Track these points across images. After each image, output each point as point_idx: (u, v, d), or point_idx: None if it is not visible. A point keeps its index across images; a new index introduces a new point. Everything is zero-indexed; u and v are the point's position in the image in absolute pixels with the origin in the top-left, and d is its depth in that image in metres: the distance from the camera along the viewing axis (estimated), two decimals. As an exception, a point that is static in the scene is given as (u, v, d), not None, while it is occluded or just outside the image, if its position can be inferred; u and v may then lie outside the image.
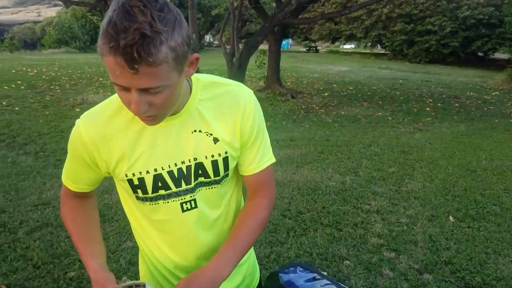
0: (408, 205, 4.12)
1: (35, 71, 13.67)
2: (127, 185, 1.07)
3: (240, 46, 10.27)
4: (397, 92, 12.83)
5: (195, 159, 1.06)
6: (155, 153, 1.04)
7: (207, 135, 1.06)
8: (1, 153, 5.36)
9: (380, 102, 10.92)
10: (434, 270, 3.00)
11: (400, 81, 15.77)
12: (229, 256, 1.07)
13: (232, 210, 1.22)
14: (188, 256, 1.18)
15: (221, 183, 1.12)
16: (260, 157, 1.15)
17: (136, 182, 1.05)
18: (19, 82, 11.23)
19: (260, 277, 1.42)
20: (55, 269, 2.86)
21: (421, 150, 6.17)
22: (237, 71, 9.35)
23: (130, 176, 1.05)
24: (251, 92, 1.14)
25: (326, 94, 11.92)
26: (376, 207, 4.03)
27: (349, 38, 33.06)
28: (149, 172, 1.04)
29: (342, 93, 12.29)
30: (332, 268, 2.97)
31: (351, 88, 13.44)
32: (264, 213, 1.17)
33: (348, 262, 3.06)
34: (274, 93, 11.12)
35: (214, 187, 1.12)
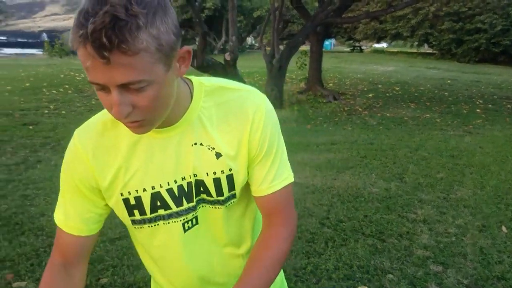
0: (457, 214, 3.84)
1: (82, 75, 14.05)
2: (122, 207, 0.94)
3: (281, 47, 10.13)
4: (446, 93, 12.28)
5: (195, 175, 0.93)
6: (152, 168, 0.91)
7: (209, 149, 0.91)
8: (46, 156, 5.48)
9: (428, 103, 10.47)
10: (485, 286, 2.74)
11: (449, 81, 15.12)
12: None
13: (247, 233, 1.08)
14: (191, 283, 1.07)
15: (227, 205, 0.97)
16: (273, 176, 0.97)
17: (132, 201, 0.93)
18: (67, 86, 11.60)
19: None
20: (88, 275, 2.82)
21: (472, 155, 5.80)
22: (276, 73, 9.20)
23: (126, 195, 0.92)
24: (264, 98, 0.97)
25: (370, 95, 11.58)
26: (423, 216, 3.78)
27: (395, 37, 32.17)
28: (146, 190, 0.92)
29: (387, 94, 11.90)
30: (373, 283, 2.78)
31: (397, 88, 13.00)
32: (284, 246, 0.98)
33: (391, 276, 2.85)
34: (315, 94, 10.90)
35: (218, 208, 0.97)
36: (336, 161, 5.43)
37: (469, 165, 5.29)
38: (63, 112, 8.40)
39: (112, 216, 1.03)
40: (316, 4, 12.12)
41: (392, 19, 29.15)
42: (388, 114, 9.04)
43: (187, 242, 0.99)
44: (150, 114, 0.78)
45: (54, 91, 10.66)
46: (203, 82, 0.93)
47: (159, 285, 1.12)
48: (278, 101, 9.17)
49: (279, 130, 0.99)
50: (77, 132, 0.94)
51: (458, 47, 27.33)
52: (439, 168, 5.16)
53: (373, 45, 39.78)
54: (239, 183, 0.96)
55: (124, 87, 0.72)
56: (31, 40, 54.88)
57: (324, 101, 10.37)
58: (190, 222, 0.97)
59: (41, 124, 7.17)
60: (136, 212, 0.94)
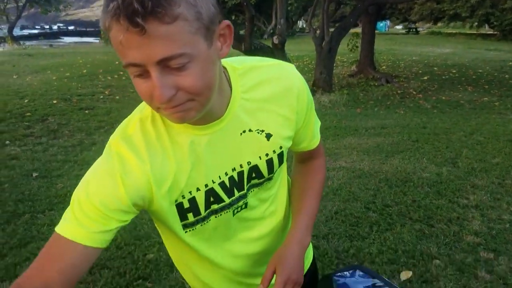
0: (513, 201, 3.64)
1: (137, 61, 14.50)
2: (174, 213, 0.88)
3: (332, 30, 9.92)
4: (506, 76, 11.57)
5: (249, 163, 0.91)
6: (203, 167, 0.86)
7: (258, 132, 0.89)
8: (100, 139, 5.71)
9: (486, 86, 9.93)
10: (542, 277, 2.59)
11: (510, 63, 14.23)
12: (306, 223, 1.04)
13: (282, 197, 1.13)
14: (241, 264, 1.08)
15: (273, 177, 1.01)
16: (312, 134, 1.06)
17: (186, 204, 0.87)
18: (121, 72, 11.95)
19: (314, 257, 1.29)
20: (135, 250, 2.95)
21: (533, 139, 5.45)
22: (326, 56, 9.02)
23: (180, 200, 0.86)
24: (293, 66, 0.97)
25: (425, 78, 11.13)
26: (475, 202, 3.62)
27: (453, 18, 30.62)
28: (199, 190, 0.87)
29: (443, 77, 11.38)
30: (419, 268, 2.70)
31: (454, 71, 12.41)
32: (324, 170, 1.17)
33: (438, 261, 2.76)
34: (367, 78, 10.61)
35: (266, 184, 1.00)
36: (385, 145, 5.28)
37: (529, 150, 4.99)
38: (117, 97, 8.69)
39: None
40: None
41: (450, -1, 27.74)
42: (443, 97, 8.67)
43: (235, 221, 1.01)
44: (195, 95, 0.70)
45: (109, 77, 11.03)
46: (235, 66, 0.89)
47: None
48: (327, 85, 9.01)
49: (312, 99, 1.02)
50: (121, 143, 0.82)
51: (522, 27, 25.64)
52: (495, 153, 4.90)
53: (431, 27, 38.08)
54: (286, 154, 1.00)
55: (164, 65, 0.65)
56: (89, 28, 57.03)
57: (376, 84, 10.08)
58: (239, 208, 0.98)
59: (96, 109, 7.47)
60: (189, 215, 0.89)
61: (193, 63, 0.67)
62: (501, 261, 2.74)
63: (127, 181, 0.79)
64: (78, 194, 0.81)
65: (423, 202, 3.64)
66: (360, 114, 7.27)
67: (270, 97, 0.90)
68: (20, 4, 31.86)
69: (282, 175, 1.08)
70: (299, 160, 1.16)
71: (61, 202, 3.67)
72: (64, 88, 9.16)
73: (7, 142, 5.45)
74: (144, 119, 0.84)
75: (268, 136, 0.91)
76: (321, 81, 9.00)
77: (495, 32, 29.33)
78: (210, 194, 0.89)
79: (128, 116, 0.87)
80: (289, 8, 28.76)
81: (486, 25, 30.80)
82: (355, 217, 3.38)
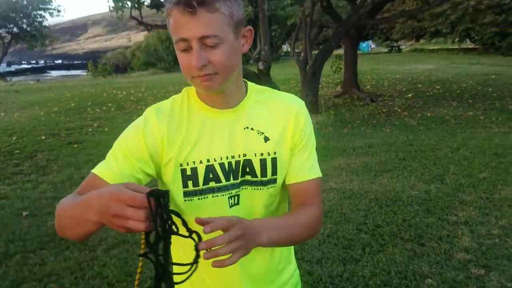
0: (501, 215, 3.69)
1: (124, 93, 14.54)
2: (178, 177, 1.05)
3: (315, 52, 10.09)
4: (490, 89, 11.82)
5: (244, 155, 1.07)
6: (209, 144, 1.05)
7: (258, 133, 1.08)
8: (89, 173, 5.68)
9: (471, 101, 10.12)
10: (534, 290, 2.62)
11: (493, 76, 14.53)
12: (271, 226, 1.00)
13: None
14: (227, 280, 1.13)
15: (268, 187, 1.09)
16: (310, 166, 1.13)
17: (188, 172, 1.04)
18: (110, 104, 12.01)
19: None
20: (127, 287, 2.93)
21: (517, 152, 5.56)
22: (311, 78, 9.17)
23: (184, 165, 1.04)
24: (303, 102, 1.17)
25: (409, 95, 11.31)
26: (464, 218, 3.66)
27: (434, 35, 31.31)
28: (202, 162, 1.04)
29: (427, 93, 11.59)
30: (412, 288, 2.72)
31: (437, 87, 12.64)
32: (316, 225, 1.13)
33: (430, 280, 2.78)
34: (352, 98, 10.78)
35: (260, 189, 1.09)
36: (373, 165, 5.34)
37: (514, 163, 5.07)
38: (106, 129, 8.71)
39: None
40: (349, 7, 12.03)
41: (430, 16, 28.32)
42: (428, 114, 8.81)
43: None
44: (220, 69, 0.95)
45: (98, 110, 11.07)
46: (255, 85, 1.15)
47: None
48: (313, 106, 9.11)
49: (313, 133, 1.17)
50: (151, 109, 1.08)
51: (502, 40, 26.17)
52: (482, 168, 4.98)
53: (413, 44, 38.78)
54: (280, 168, 1.10)
55: (203, 42, 0.91)
56: (76, 61, 57.28)
57: (361, 104, 10.23)
58: (233, 199, 1.08)
59: (85, 142, 7.47)
60: (190, 183, 1.05)
61: (222, 45, 0.93)
62: (492, 276, 2.77)
63: (147, 134, 1.03)
64: (114, 144, 1.06)
65: (413, 221, 3.67)
66: (347, 134, 7.35)
67: (275, 111, 1.12)
68: (6, 40, 32.01)
69: (283, 203, 1.18)
70: (294, 205, 1.14)
71: (52, 240, 3.64)
72: (52, 123, 9.16)
73: (-4, 181, 5.42)
74: (177, 97, 1.11)
75: (266, 139, 1.08)
76: (307, 103, 8.91)
77: (477, 46, 29.95)
78: (210, 171, 1.05)
79: None
80: (273, 33, 29.25)
81: (468, 40, 31.49)
82: (348, 239, 3.40)
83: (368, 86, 13.25)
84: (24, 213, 4.30)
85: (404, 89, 12.57)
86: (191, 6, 0.88)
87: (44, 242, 3.63)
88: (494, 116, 8.24)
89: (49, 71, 46.25)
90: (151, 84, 18.00)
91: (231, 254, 0.81)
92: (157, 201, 0.74)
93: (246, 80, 1.13)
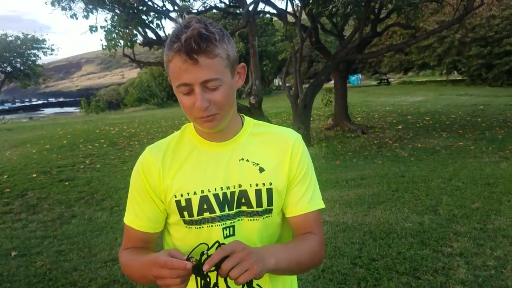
0: (495, 246, 3.66)
1: (117, 129, 14.57)
2: (174, 208, 1.10)
3: (306, 86, 10.24)
4: (479, 119, 12.00)
5: (239, 185, 1.10)
6: (204, 176, 1.10)
7: (254, 164, 1.11)
8: (80, 210, 5.63)
9: (461, 131, 10.24)
10: (533, 323, 2.58)
11: (481, 107, 14.78)
12: (278, 250, 1.05)
13: None
14: None
15: (263, 217, 1.11)
16: (310, 197, 1.15)
17: (183, 203, 1.09)
18: (102, 140, 12.00)
19: None
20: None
21: (509, 181, 5.57)
22: (302, 112, 9.26)
23: (178, 197, 1.09)
24: (300, 136, 1.21)
25: (400, 127, 11.44)
26: (459, 250, 3.63)
27: (422, 67, 31.93)
28: (196, 194, 1.09)
29: (418, 125, 11.72)
30: (409, 323, 2.66)
31: (427, 118, 12.80)
32: (319, 248, 1.14)
33: (428, 315, 2.73)
34: (343, 130, 10.87)
35: (256, 220, 1.11)
36: (366, 197, 5.33)
37: (506, 193, 5.09)
38: (98, 165, 8.66)
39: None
40: (338, 42, 12.29)
41: (417, 50, 29.03)
42: (419, 145, 8.88)
43: None
44: (221, 109, 1.02)
45: (90, 146, 11.04)
46: (251, 119, 1.21)
47: None
48: (305, 139, 9.09)
49: (312, 164, 1.21)
50: (149, 148, 1.17)
51: (488, 71, 26.78)
52: (475, 198, 4.98)
53: (401, 77, 39.46)
54: (276, 199, 1.12)
55: (204, 85, 0.97)
56: (69, 99, 57.57)
57: (352, 135, 10.31)
58: (228, 230, 1.10)
59: (77, 179, 7.41)
60: (185, 213, 1.10)
61: (222, 86, 1.00)
62: (489, 309, 2.72)
63: (145, 172, 1.12)
64: (129, 190, 1.17)
65: (408, 253, 3.64)
66: (340, 166, 7.36)
67: (270, 143, 1.16)
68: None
69: (284, 235, 1.20)
70: (295, 235, 1.18)
71: (41, 281, 3.56)
72: (44, 160, 9.10)
73: (-15, 221, 5.32)
74: (176, 134, 1.18)
75: (261, 169, 1.11)
76: (299, 137, 9.15)
77: (464, 78, 30.56)
78: (204, 202, 1.09)
79: None
80: (264, 68, 29.69)
81: (455, 72, 32.14)
82: (342, 274, 3.35)
83: (359, 118, 13.38)
84: (13, 253, 4.21)
85: (394, 121, 12.71)
86: (192, 57, 0.94)
87: (32, 283, 3.54)
88: (484, 146, 8.33)
89: (42, 109, 46.40)
90: (144, 119, 18.07)
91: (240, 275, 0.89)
92: (195, 263, 0.91)
93: (242, 114, 1.19)
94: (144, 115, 21.73)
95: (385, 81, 36.81)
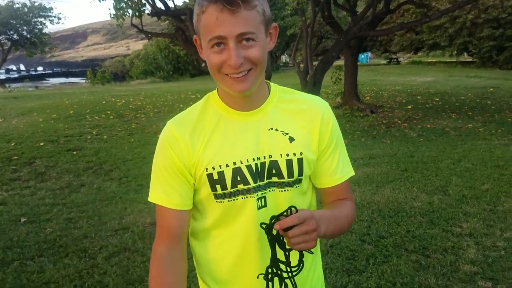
0: (505, 227, 3.65)
1: (123, 101, 14.51)
2: (205, 182, 1.07)
3: (315, 63, 10.12)
4: (488, 102, 11.86)
5: (270, 156, 1.07)
6: (235, 147, 1.06)
7: (283, 134, 1.08)
8: (89, 180, 5.65)
9: (470, 113, 10.14)
10: (542, 304, 2.58)
11: (491, 89, 14.60)
12: (326, 218, 1.05)
13: None
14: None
15: (294, 187, 1.10)
16: (342, 167, 1.15)
17: (215, 176, 1.06)
18: (109, 112, 11.96)
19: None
20: (129, 297, 2.87)
21: (519, 164, 5.54)
22: (311, 89, 9.17)
23: (210, 170, 1.06)
24: (328, 104, 1.17)
25: (409, 107, 11.34)
26: (469, 230, 3.62)
27: (432, 48, 31.51)
28: (228, 166, 1.05)
29: (427, 105, 11.62)
30: (418, 301, 2.67)
31: (437, 99, 12.67)
32: (354, 213, 1.17)
33: (437, 293, 2.73)
34: (352, 109, 10.77)
35: (287, 190, 1.09)
36: (375, 176, 5.31)
37: (516, 175, 5.05)
38: (105, 137, 8.66)
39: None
40: (349, 18, 12.08)
41: (428, 29, 28.59)
42: (428, 126, 8.81)
43: (258, 221, 1.06)
44: (255, 66, 0.97)
45: (97, 117, 11.01)
46: (277, 85, 1.15)
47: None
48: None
49: (340, 132, 1.18)
50: (172, 122, 1.11)
51: (499, 54, 26.40)
52: (484, 179, 4.96)
53: (411, 56, 38.95)
54: (307, 168, 1.10)
55: (239, 40, 0.93)
56: (74, 69, 57.38)
57: (361, 115, 10.23)
58: (260, 201, 1.08)
59: (84, 149, 7.42)
60: (218, 187, 1.06)
61: (256, 42, 0.95)
62: (499, 289, 2.73)
63: (174, 148, 1.07)
64: (152, 171, 1.11)
65: (417, 232, 3.63)
66: (348, 144, 7.27)
67: (299, 111, 1.11)
68: (6, 47, 32.01)
69: (312, 203, 1.20)
70: (328, 201, 1.21)
71: (51, 247, 3.58)
72: (51, 129, 9.10)
73: (-6, 187, 5.35)
74: (197, 105, 1.13)
75: (291, 139, 1.08)
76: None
77: (474, 60, 30.16)
78: (237, 174, 1.05)
79: None
80: (272, 43, 29.28)
81: (465, 53, 31.71)
82: (351, 250, 3.35)
83: (368, 97, 13.26)
84: (22, 220, 4.24)
85: (403, 101, 12.59)
86: (234, 4, 0.89)
87: (42, 249, 3.57)
88: (493, 128, 8.25)
89: (47, 78, 46.26)
90: (149, 92, 17.97)
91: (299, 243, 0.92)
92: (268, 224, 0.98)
93: (268, 81, 1.14)
94: (150, 88, 21.61)
95: (395, 60, 36.38)
